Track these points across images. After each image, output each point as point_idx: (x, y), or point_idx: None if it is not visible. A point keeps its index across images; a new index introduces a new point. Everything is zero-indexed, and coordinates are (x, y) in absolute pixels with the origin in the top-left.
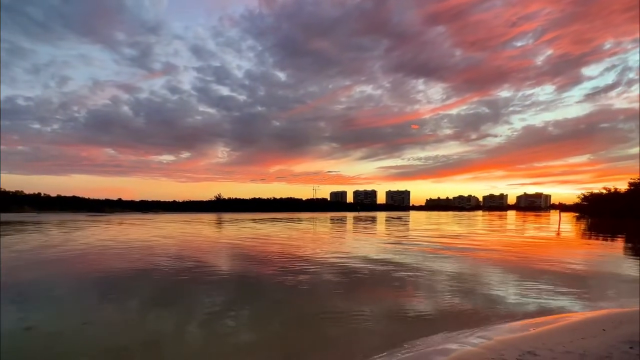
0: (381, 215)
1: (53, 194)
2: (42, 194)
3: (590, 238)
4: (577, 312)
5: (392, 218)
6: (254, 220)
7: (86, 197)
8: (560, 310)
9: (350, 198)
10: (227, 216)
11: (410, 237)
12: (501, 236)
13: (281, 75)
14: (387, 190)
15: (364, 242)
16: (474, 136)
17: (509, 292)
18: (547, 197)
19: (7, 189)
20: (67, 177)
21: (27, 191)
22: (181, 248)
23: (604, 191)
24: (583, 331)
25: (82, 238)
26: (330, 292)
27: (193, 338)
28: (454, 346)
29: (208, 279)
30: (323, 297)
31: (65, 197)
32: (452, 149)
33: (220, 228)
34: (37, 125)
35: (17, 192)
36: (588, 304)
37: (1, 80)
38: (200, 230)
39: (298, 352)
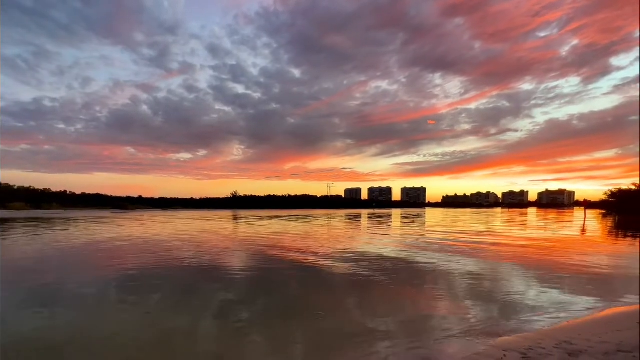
0: (398, 213)
1: (78, 192)
2: (68, 192)
3: (617, 236)
4: (610, 307)
5: (411, 215)
6: (273, 216)
7: (108, 194)
8: (593, 305)
9: (365, 195)
10: (244, 213)
11: (434, 234)
12: (525, 234)
13: (296, 72)
14: (403, 187)
15: (392, 239)
16: (493, 131)
17: (541, 289)
18: (571, 193)
19: (35, 187)
20: (90, 175)
21: (53, 189)
22: (221, 240)
23: (633, 187)
24: (618, 324)
25: (130, 232)
26: (370, 284)
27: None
28: (492, 336)
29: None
30: (366, 287)
31: (89, 195)
32: (470, 145)
33: (246, 225)
34: (62, 125)
35: (45, 189)
36: (621, 300)
37: (29, 83)
38: (231, 227)
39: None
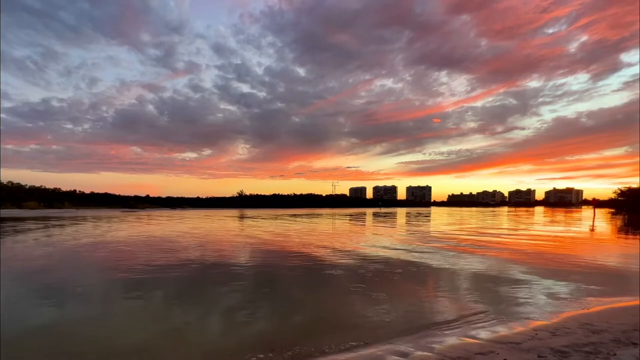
0: (404, 212)
1: (86, 191)
2: (78, 191)
3: (628, 235)
4: (623, 298)
5: (420, 214)
6: (281, 215)
7: (116, 193)
8: (611, 296)
9: (369, 194)
10: (252, 212)
11: (450, 234)
12: (537, 233)
13: (301, 71)
14: (408, 185)
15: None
16: (499, 129)
17: (563, 282)
18: (579, 192)
19: (46, 186)
20: (97, 175)
21: (62, 188)
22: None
23: None
24: (634, 310)
25: (156, 229)
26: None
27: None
28: (523, 319)
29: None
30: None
31: (98, 194)
32: (476, 143)
33: (259, 224)
34: (69, 125)
35: (55, 188)
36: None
37: (37, 84)
38: (247, 226)
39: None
